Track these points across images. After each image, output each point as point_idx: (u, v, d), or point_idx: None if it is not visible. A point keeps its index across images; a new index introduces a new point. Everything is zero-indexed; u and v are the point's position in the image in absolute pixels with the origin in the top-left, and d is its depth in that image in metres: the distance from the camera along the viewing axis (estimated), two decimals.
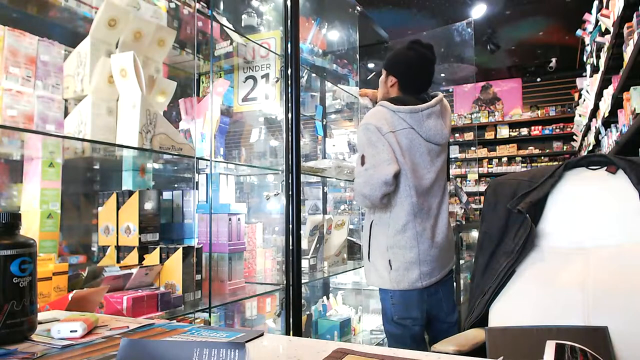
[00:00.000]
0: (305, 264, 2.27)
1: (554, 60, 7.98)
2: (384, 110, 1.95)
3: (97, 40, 1.51)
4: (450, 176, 2.47)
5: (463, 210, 4.54)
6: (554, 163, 6.53)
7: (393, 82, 2.07)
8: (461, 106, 9.15)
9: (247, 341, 0.77)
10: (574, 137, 7.40)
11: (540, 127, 8.58)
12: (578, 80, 6.11)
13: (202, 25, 2.00)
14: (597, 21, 3.74)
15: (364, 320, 3.13)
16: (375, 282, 2.00)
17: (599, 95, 4.00)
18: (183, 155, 1.62)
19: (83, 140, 1.44)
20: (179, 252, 1.51)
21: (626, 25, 2.65)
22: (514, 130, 8.74)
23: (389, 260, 1.91)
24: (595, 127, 4.46)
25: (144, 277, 1.45)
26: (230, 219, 1.82)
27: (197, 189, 1.89)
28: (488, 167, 8.75)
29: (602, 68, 3.66)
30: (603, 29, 3.48)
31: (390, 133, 1.88)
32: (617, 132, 3.34)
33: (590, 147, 4.99)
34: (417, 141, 1.93)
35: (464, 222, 4.27)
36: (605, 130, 3.83)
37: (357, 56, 3.16)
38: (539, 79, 8.67)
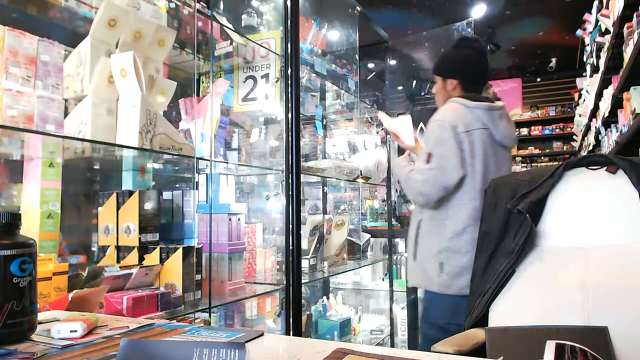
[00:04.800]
0: (305, 264, 2.27)
1: (554, 60, 7.98)
2: (459, 107, 1.87)
3: (97, 40, 1.51)
4: None
5: None
6: (554, 163, 6.53)
7: (454, 85, 1.99)
8: None
9: (247, 341, 0.77)
10: (574, 137, 7.40)
11: (540, 127, 8.58)
12: (578, 80, 6.11)
13: (202, 25, 2.00)
14: (597, 21, 3.74)
15: (364, 320, 3.13)
16: (421, 284, 1.93)
17: (599, 95, 4.00)
18: (183, 155, 1.62)
19: (83, 140, 1.44)
20: (179, 252, 1.51)
21: (626, 25, 2.65)
22: None
23: (441, 264, 1.82)
24: (595, 127, 4.46)
25: (144, 277, 1.44)
26: (230, 219, 1.82)
27: (197, 189, 1.89)
28: None
29: (602, 68, 3.66)
30: (603, 29, 3.48)
31: (465, 133, 1.81)
32: (617, 132, 3.34)
33: (590, 147, 4.99)
34: (489, 142, 1.87)
35: None
36: (605, 130, 3.83)
37: (357, 56, 3.16)
38: (539, 79, 8.67)
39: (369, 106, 3.58)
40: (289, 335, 2.02)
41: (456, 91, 1.99)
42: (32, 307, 0.79)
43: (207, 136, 1.83)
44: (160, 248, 1.55)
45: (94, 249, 1.65)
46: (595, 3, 3.98)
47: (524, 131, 8.65)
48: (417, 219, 1.95)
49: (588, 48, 4.84)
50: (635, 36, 2.40)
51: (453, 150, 1.79)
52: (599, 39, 3.61)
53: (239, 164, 2.25)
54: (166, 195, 1.78)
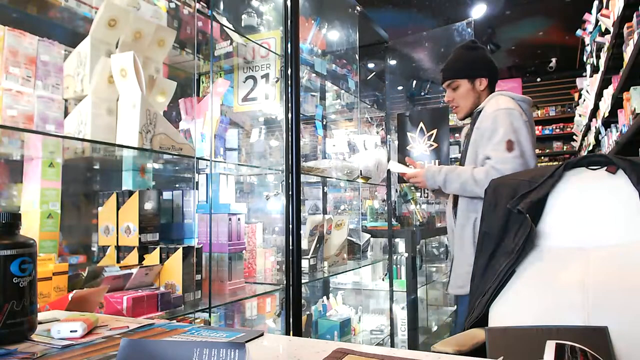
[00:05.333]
0: (305, 264, 2.27)
1: (554, 60, 7.98)
2: (510, 99, 1.85)
3: (97, 40, 1.51)
4: None
5: None
6: (554, 163, 6.53)
7: (485, 84, 1.97)
8: None
9: (247, 341, 0.77)
10: (574, 137, 7.40)
11: (540, 127, 8.57)
12: (578, 80, 6.11)
13: (202, 25, 2.00)
14: (597, 21, 3.75)
15: (364, 320, 3.13)
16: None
17: (599, 95, 4.00)
18: (183, 155, 1.62)
19: (83, 140, 1.44)
20: (179, 252, 1.51)
21: (626, 25, 2.65)
22: None
23: None
24: (595, 127, 4.46)
25: (144, 277, 1.44)
26: (230, 219, 1.82)
27: (197, 189, 1.89)
28: None
29: (602, 68, 3.66)
30: (603, 29, 3.49)
31: (527, 122, 1.80)
32: (617, 132, 3.34)
33: (590, 147, 4.99)
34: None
35: None
36: (605, 130, 3.83)
37: (357, 56, 3.16)
38: (539, 79, 8.67)
39: (369, 106, 3.58)
40: (289, 335, 2.02)
41: (486, 90, 1.98)
42: (32, 307, 0.79)
43: (207, 136, 1.83)
44: (160, 248, 1.55)
45: (94, 249, 1.65)
46: (595, 3, 3.98)
47: None
48: (471, 218, 1.83)
49: (588, 48, 4.84)
50: (635, 36, 2.40)
51: (527, 137, 1.77)
52: (599, 39, 3.61)
53: (239, 164, 2.25)
54: (166, 195, 1.78)
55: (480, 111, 1.91)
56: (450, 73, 2.02)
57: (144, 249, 1.55)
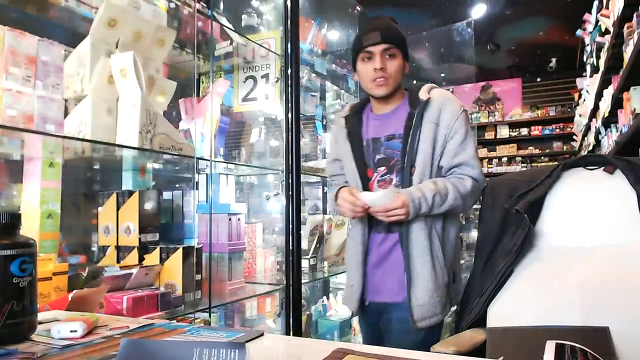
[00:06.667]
0: (305, 264, 2.27)
1: (554, 60, 7.98)
2: None
3: (97, 40, 1.51)
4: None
5: None
6: (554, 163, 6.51)
7: (406, 71, 1.65)
8: None
9: (247, 341, 0.77)
10: (574, 137, 7.40)
11: (540, 127, 8.57)
12: (578, 80, 6.10)
13: (202, 25, 2.00)
14: (597, 21, 3.75)
15: None
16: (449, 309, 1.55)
17: (599, 95, 4.00)
18: (183, 155, 1.62)
19: (83, 140, 1.44)
20: (179, 252, 1.51)
21: (626, 25, 2.65)
22: (514, 130, 8.74)
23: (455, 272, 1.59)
24: (595, 127, 4.46)
25: (144, 277, 1.45)
26: (230, 219, 1.82)
27: (197, 189, 1.89)
28: (488, 167, 8.74)
29: (602, 68, 3.66)
30: (603, 29, 3.48)
31: None
32: (617, 132, 3.34)
33: (590, 147, 4.99)
34: None
35: (463, 222, 4.28)
36: (605, 130, 3.83)
37: None
38: (539, 79, 8.66)
39: None
40: (289, 335, 2.02)
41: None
42: (32, 307, 0.79)
43: (207, 136, 1.83)
44: (160, 248, 1.55)
45: (94, 249, 1.65)
46: (595, 3, 3.98)
47: (524, 131, 8.65)
48: (436, 228, 1.52)
49: (588, 48, 4.84)
50: (635, 36, 2.40)
51: None
52: (599, 39, 3.61)
53: (239, 164, 2.25)
54: (166, 195, 1.78)
55: (427, 101, 1.53)
56: (392, 38, 1.59)
57: (144, 249, 1.56)
